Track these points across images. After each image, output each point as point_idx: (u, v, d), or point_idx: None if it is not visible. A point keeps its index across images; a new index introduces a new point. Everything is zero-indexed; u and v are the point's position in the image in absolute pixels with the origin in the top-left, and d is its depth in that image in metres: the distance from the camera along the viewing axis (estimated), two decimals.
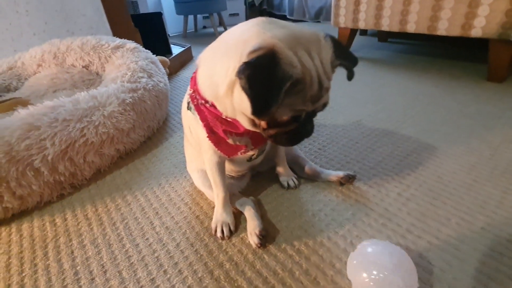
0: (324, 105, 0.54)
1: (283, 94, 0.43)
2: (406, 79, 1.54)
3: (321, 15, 3.44)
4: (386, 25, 1.71)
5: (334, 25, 1.97)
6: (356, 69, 0.54)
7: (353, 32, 1.99)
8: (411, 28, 1.60)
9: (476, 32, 1.38)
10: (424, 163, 0.87)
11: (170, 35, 3.65)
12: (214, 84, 0.52)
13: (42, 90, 1.33)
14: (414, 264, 0.51)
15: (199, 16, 3.80)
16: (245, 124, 0.54)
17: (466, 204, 0.71)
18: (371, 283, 0.50)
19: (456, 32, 1.44)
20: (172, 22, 3.67)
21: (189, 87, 0.63)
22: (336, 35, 2.01)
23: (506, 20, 1.27)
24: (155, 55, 1.46)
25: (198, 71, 0.57)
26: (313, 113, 0.55)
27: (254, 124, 0.53)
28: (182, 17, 3.45)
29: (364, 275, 0.50)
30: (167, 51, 2.14)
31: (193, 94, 0.58)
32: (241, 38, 0.48)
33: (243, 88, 0.44)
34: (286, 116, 0.49)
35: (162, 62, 1.66)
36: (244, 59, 0.44)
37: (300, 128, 0.54)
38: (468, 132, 1.01)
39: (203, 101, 0.56)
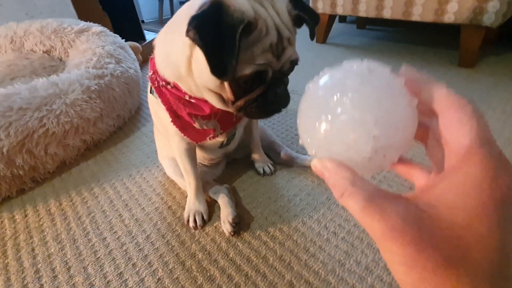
0: (292, 62, 0.48)
1: (238, 42, 0.39)
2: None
3: None
4: (363, 10, 1.70)
5: None
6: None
7: (331, 18, 1.97)
8: (387, 13, 1.61)
9: (448, 17, 1.40)
10: None
11: (145, 21, 3.47)
12: (173, 64, 0.49)
13: None
14: (407, 99, 0.20)
15: (175, 0, 3.62)
16: (214, 101, 0.50)
17: None
18: (327, 135, 0.21)
19: (429, 17, 1.46)
20: (147, 8, 3.48)
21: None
22: None
23: (477, 4, 1.30)
24: (125, 40, 1.38)
25: (155, 52, 0.54)
26: (281, 74, 0.49)
27: (222, 99, 0.50)
28: (157, 2, 3.28)
29: (318, 124, 0.21)
30: (140, 37, 2.03)
31: (153, 76, 0.54)
32: (188, 11, 0.45)
33: (194, 40, 0.41)
34: (249, 71, 0.44)
35: (134, 48, 1.57)
36: None
37: (269, 93, 0.48)
38: None
39: (163, 83, 0.53)
